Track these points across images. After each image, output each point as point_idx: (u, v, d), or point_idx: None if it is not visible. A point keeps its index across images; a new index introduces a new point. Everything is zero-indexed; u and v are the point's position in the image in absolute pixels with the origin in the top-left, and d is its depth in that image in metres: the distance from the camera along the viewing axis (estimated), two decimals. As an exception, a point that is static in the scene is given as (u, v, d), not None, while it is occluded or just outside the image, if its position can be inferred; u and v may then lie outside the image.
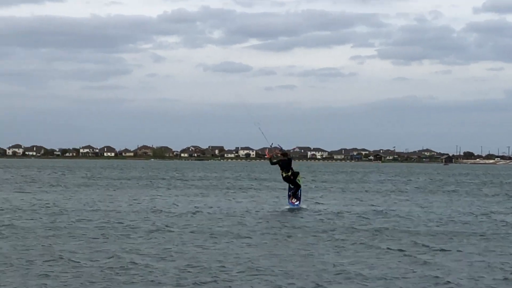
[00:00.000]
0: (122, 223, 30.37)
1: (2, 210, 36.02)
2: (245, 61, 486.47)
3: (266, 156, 38.86)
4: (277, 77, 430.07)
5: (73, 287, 17.20)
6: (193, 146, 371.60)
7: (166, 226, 29.38)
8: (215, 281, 18.01)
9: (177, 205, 40.28)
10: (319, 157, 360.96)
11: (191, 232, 27.50)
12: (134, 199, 45.15)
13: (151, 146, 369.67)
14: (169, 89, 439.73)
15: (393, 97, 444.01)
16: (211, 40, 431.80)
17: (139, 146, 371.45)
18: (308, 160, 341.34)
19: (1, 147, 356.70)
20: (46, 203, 40.28)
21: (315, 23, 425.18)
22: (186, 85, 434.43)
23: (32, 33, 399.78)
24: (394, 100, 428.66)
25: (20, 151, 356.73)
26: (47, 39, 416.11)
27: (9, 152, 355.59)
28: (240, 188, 62.42)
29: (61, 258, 20.86)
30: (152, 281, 17.91)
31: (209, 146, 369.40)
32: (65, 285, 17.32)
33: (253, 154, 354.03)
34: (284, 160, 37.68)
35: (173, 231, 27.58)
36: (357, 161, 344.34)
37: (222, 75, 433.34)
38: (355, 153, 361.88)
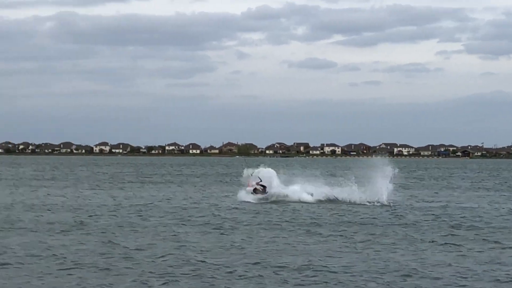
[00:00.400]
0: (190, 219, 30.53)
1: (75, 208, 36.68)
2: (329, 57, 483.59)
3: (247, 187, 42.15)
4: (362, 73, 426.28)
5: (131, 283, 17.41)
6: (278, 143, 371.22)
7: (238, 222, 29.53)
8: (277, 276, 18.00)
9: (250, 202, 40.26)
10: (405, 153, 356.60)
11: (264, 229, 27.53)
12: (207, 196, 45.40)
13: (236, 143, 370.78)
14: (253, 86, 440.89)
15: (480, 92, 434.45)
16: (296, 37, 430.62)
17: (224, 143, 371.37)
18: (395, 157, 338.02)
19: (89, 145, 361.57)
20: (120, 201, 40.81)
21: (400, 18, 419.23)
22: (271, 81, 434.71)
23: (118, 31, 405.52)
24: (481, 95, 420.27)
25: (107, 148, 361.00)
26: (133, 37, 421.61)
27: (96, 149, 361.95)
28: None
29: (123, 253, 21.09)
30: (225, 279, 17.94)
31: (294, 143, 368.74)
32: (125, 280, 17.55)
33: (338, 151, 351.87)
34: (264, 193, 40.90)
35: (241, 227, 27.62)
36: (444, 157, 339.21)
37: (307, 71, 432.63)
38: (442, 149, 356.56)
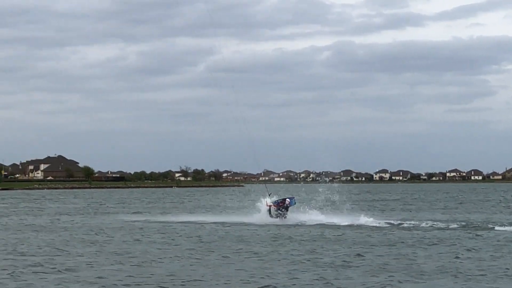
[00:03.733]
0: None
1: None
2: None
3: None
4: None
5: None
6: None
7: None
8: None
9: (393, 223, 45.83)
10: None
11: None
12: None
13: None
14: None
15: None
16: None
17: (507, 169, 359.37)
18: None
19: (368, 172, 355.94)
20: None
21: None
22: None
23: (394, 58, 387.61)
24: None
25: (387, 176, 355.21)
26: (410, 63, 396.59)
27: (376, 177, 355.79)
28: (469, 213, 61.70)
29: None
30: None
31: None
32: None
33: None
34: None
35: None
36: None
37: None
38: None
